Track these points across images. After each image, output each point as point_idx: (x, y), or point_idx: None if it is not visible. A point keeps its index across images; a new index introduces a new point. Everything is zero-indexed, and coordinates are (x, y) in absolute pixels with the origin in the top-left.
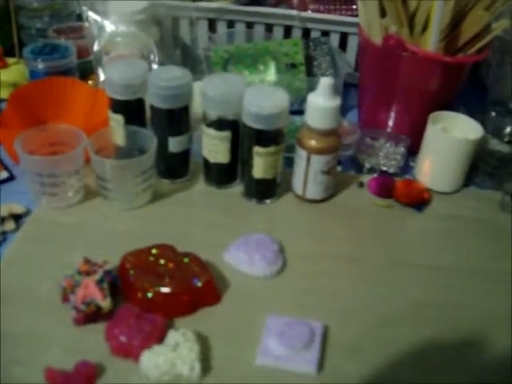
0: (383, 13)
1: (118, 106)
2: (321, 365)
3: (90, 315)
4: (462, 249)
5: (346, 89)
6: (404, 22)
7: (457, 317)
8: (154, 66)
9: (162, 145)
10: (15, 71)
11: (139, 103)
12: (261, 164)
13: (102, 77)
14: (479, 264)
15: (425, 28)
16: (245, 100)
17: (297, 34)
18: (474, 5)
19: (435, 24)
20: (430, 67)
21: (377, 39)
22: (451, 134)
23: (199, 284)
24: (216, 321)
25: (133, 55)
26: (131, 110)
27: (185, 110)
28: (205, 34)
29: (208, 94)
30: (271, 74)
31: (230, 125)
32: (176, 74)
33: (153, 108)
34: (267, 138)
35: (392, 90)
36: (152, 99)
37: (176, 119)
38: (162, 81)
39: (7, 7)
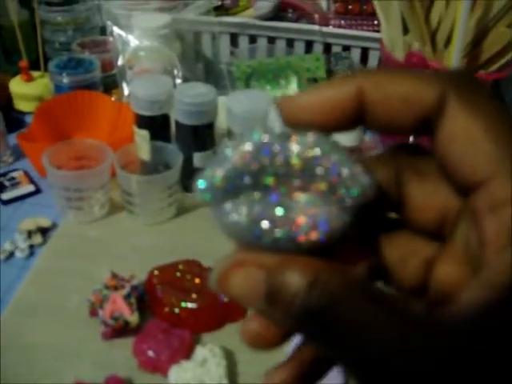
0: (405, 29)
1: (143, 122)
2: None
3: (118, 330)
4: None
5: None
6: (427, 38)
7: None
8: (178, 81)
9: (187, 160)
10: (40, 85)
11: (164, 119)
12: None
13: (125, 91)
14: None
15: (447, 45)
16: (270, 116)
17: (318, 48)
18: (497, 22)
19: (458, 41)
20: None
21: (399, 56)
22: None
23: (225, 299)
24: None
25: (156, 70)
26: (156, 126)
27: (209, 126)
28: (227, 49)
29: (233, 110)
30: (293, 89)
31: None
32: (201, 90)
33: (178, 124)
34: None
35: None
36: (177, 115)
37: (201, 135)
38: (187, 97)
39: (32, 21)
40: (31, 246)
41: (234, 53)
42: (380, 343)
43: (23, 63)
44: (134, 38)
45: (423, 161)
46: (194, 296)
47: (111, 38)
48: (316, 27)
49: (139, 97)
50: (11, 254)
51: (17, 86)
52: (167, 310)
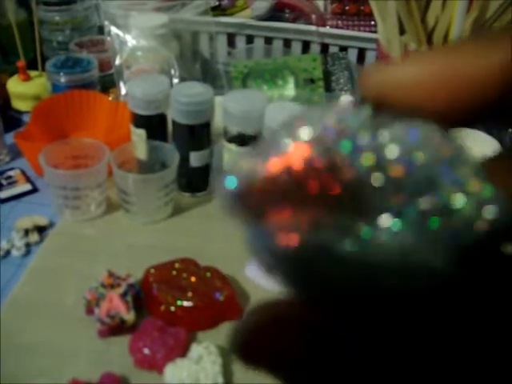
0: (402, 30)
1: (140, 121)
2: None
3: (114, 328)
4: None
5: None
6: (423, 39)
7: None
8: (175, 81)
9: (184, 159)
10: (38, 84)
11: (161, 118)
12: None
13: (123, 90)
14: None
15: (443, 45)
16: (266, 116)
17: (315, 49)
18: (493, 23)
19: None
20: None
21: (396, 56)
22: None
23: (221, 298)
24: None
25: (153, 69)
26: (153, 125)
27: (206, 125)
28: (224, 49)
29: (229, 109)
30: (290, 89)
31: (250, 140)
32: (198, 90)
33: (174, 123)
34: None
35: None
36: (174, 115)
37: (197, 134)
38: (183, 97)
39: (30, 21)
40: (28, 245)
41: (232, 53)
42: None
43: (21, 63)
44: (132, 38)
45: None
46: (189, 294)
47: (109, 38)
48: (313, 27)
49: (136, 96)
50: (8, 253)
51: (14, 85)
52: (163, 308)
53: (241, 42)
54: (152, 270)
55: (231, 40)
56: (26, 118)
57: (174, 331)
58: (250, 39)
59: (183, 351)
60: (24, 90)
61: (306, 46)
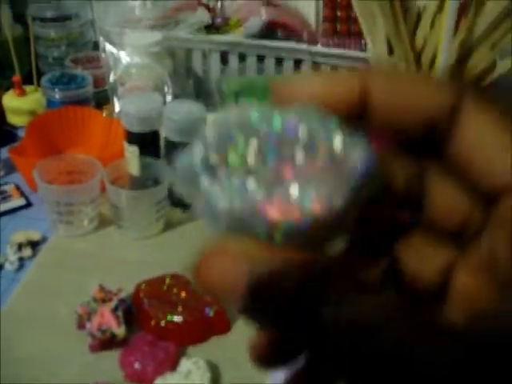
0: (391, 50)
1: (133, 138)
2: None
3: (105, 342)
4: None
5: None
6: (411, 59)
7: None
8: (168, 98)
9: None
10: (33, 99)
11: (154, 135)
12: None
13: (117, 107)
14: None
15: (431, 65)
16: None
17: (307, 67)
18: (480, 44)
19: (442, 62)
20: None
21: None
22: None
23: (211, 313)
24: (227, 349)
25: (147, 86)
26: (146, 142)
27: None
28: (217, 66)
29: None
30: None
31: None
32: (190, 108)
33: (167, 140)
34: None
35: None
36: (167, 132)
37: None
38: (176, 114)
39: (26, 36)
40: (21, 259)
41: (224, 71)
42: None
43: (16, 78)
44: (126, 55)
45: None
46: (179, 309)
47: (103, 55)
48: (304, 46)
49: (130, 113)
50: (1, 267)
51: (9, 100)
52: (153, 322)
53: (233, 60)
54: (143, 285)
55: (224, 58)
56: (20, 133)
57: (164, 345)
58: (242, 57)
59: (173, 365)
60: (19, 104)
61: (297, 65)
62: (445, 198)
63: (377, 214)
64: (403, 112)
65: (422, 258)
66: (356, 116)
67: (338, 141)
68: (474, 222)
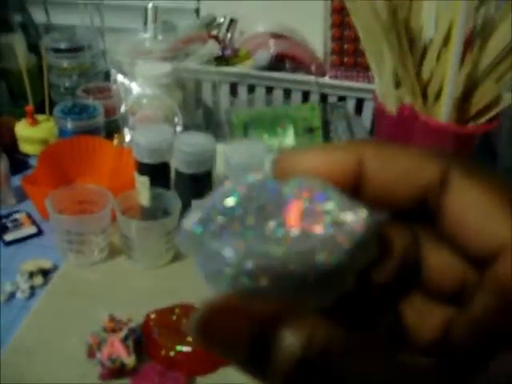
0: (398, 83)
1: (143, 169)
2: None
3: (115, 371)
4: None
5: None
6: (417, 92)
7: None
8: (178, 128)
9: (186, 206)
10: (45, 128)
11: (164, 166)
12: None
13: (127, 137)
14: None
15: (437, 98)
16: (265, 166)
17: (314, 98)
18: (486, 77)
19: (448, 95)
20: (441, 137)
21: (391, 108)
22: None
23: None
24: (235, 380)
25: (157, 117)
26: (156, 173)
27: (208, 174)
28: (226, 98)
29: (231, 160)
30: (289, 138)
31: None
32: (200, 139)
33: (177, 172)
34: None
35: None
36: (177, 163)
37: (199, 183)
38: (186, 146)
39: (39, 66)
40: (32, 287)
41: (234, 102)
42: None
43: (29, 107)
44: (137, 86)
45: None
46: (189, 339)
47: (114, 86)
48: (312, 78)
49: (140, 145)
50: (12, 295)
51: (22, 129)
52: (163, 352)
53: (243, 91)
54: (152, 315)
55: (233, 89)
56: (32, 161)
57: (174, 376)
58: (251, 88)
59: None
60: (31, 133)
61: (305, 96)
62: (439, 262)
63: (377, 277)
64: (395, 186)
65: (420, 316)
66: (354, 188)
67: (338, 205)
68: (470, 283)
